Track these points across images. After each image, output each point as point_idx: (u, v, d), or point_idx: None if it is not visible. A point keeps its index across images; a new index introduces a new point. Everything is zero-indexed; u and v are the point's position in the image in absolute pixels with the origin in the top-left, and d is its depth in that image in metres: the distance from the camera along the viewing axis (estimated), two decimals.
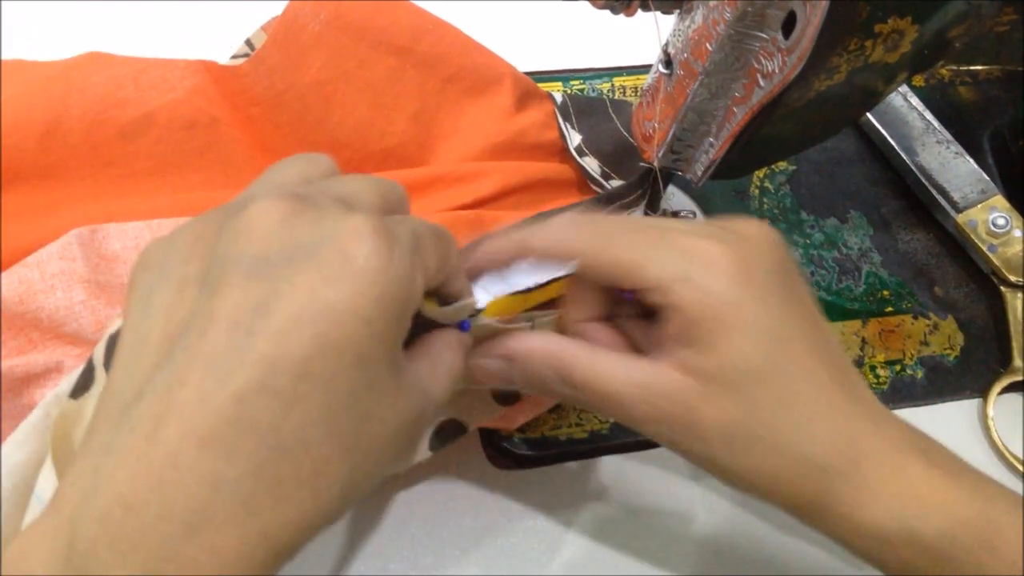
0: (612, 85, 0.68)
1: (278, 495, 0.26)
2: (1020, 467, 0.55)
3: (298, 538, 0.27)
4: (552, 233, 0.38)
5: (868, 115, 0.67)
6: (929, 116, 0.67)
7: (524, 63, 0.60)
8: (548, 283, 0.41)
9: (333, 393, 0.27)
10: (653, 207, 0.56)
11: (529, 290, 0.40)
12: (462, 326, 0.39)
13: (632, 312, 0.41)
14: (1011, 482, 0.54)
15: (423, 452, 0.47)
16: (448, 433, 0.46)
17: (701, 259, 0.35)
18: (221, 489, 0.25)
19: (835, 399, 0.36)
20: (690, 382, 0.35)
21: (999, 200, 0.62)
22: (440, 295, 0.37)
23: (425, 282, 0.31)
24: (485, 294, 0.39)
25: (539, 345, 0.38)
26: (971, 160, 0.65)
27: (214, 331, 0.26)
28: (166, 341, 0.28)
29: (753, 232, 0.37)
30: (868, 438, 0.36)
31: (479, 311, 0.39)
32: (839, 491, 0.35)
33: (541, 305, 0.42)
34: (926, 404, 0.58)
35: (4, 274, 0.42)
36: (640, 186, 0.54)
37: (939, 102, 0.70)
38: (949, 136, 0.66)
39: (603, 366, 0.36)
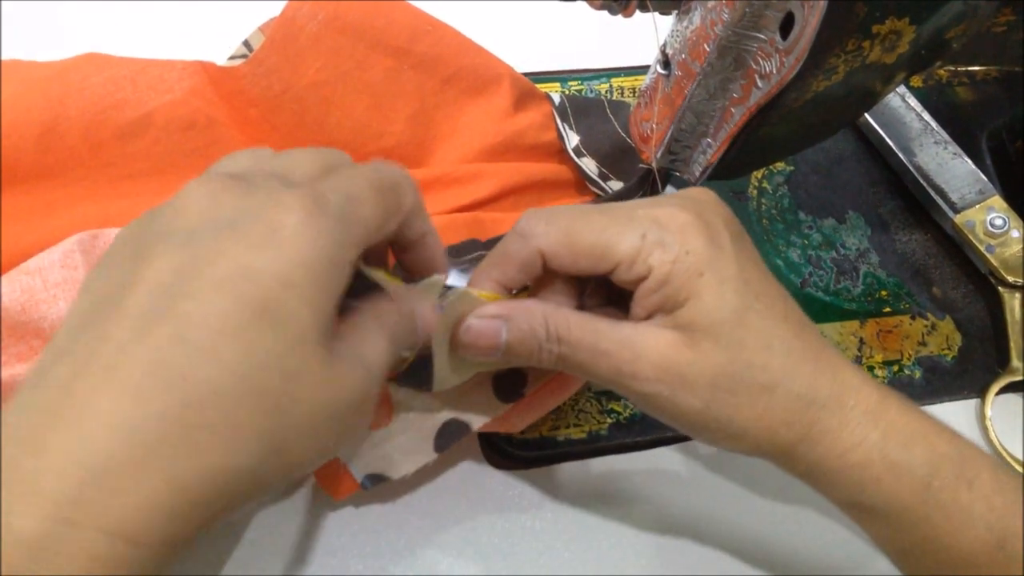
0: (610, 86, 0.68)
1: (188, 444, 0.26)
2: (1018, 467, 0.55)
3: (212, 492, 0.27)
4: (517, 234, 0.39)
5: (866, 116, 0.67)
6: (927, 117, 0.67)
7: (522, 64, 0.60)
8: None
9: (250, 351, 0.27)
10: None
11: None
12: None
13: (600, 301, 0.42)
14: None
15: (428, 454, 0.47)
16: (451, 433, 0.46)
17: (673, 224, 0.37)
18: (131, 435, 0.26)
19: (810, 340, 0.38)
20: (677, 335, 0.36)
21: (997, 201, 0.62)
22: (402, 241, 0.37)
23: (366, 240, 0.32)
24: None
25: (533, 303, 0.39)
26: (969, 161, 0.65)
27: (137, 294, 0.27)
28: (94, 309, 0.28)
29: (704, 197, 0.39)
30: (847, 374, 0.38)
31: (448, 288, 0.39)
32: (826, 424, 0.37)
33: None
34: (924, 404, 0.57)
35: (6, 282, 0.41)
36: (640, 187, 0.54)
37: (937, 103, 0.70)
38: (947, 137, 0.66)
39: (595, 324, 0.38)
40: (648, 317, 0.37)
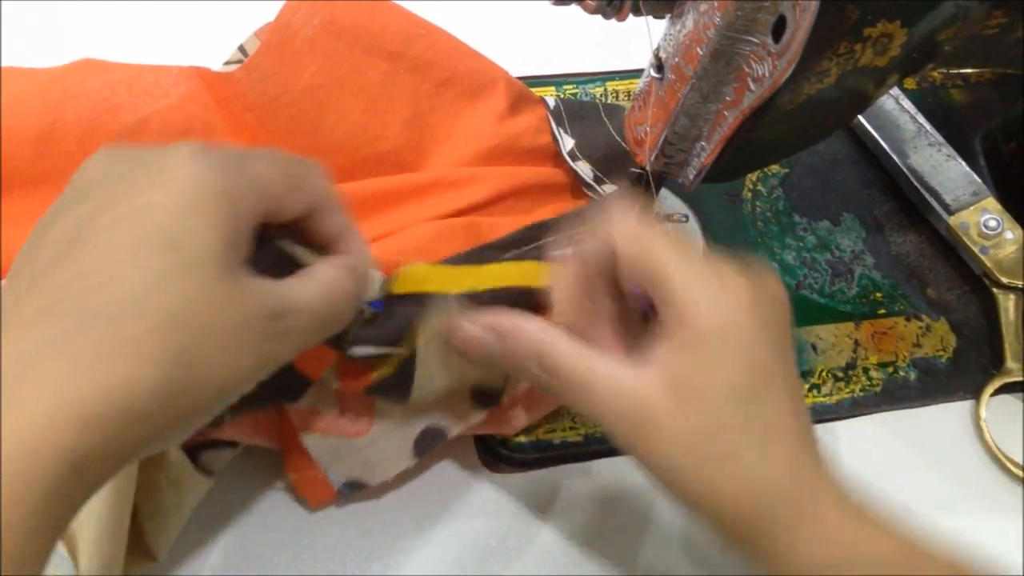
0: (605, 90, 0.68)
1: (85, 361, 0.27)
2: (1013, 469, 0.55)
3: (117, 403, 0.27)
4: (611, 218, 0.39)
5: (860, 118, 0.68)
6: (921, 119, 0.67)
7: (517, 68, 0.60)
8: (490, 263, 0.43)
9: (144, 274, 0.29)
10: (645, 211, 0.56)
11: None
12: (373, 306, 0.40)
13: (620, 314, 0.41)
14: (1003, 483, 0.55)
15: (407, 459, 0.47)
16: (430, 440, 0.47)
17: (732, 292, 0.37)
18: (28, 358, 0.27)
19: (794, 434, 0.37)
20: (669, 388, 0.36)
21: (991, 202, 0.63)
22: (322, 236, 0.38)
23: (264, 195, 0.33)
24: None
25: (530, 329, 0.39)
26: (963, 162, 0.65)
27: (43, 250, 0.30)
28: (14, 273, 0.31)
29: (771, 282, 0.39)
30: (818, 475, 0.37)
31: (384, 280, 0.40)
32: (785, 519, 0.36)
33: (499, 296, 0.43)
34: (919, 406, 0.58)
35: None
36: (633, 191, 0.54)
37: (931, 105, 0.70)
38: (941, 139, 0.66)
39: (586, 361, 0.38)
40: (657, 350, 0.37)
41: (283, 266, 0.36)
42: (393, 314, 0.42)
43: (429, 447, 0.47)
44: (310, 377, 0.40)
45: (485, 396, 0.46)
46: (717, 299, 0.37)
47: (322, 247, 0.38)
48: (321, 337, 0.37)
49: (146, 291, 0.29)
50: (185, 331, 0.29)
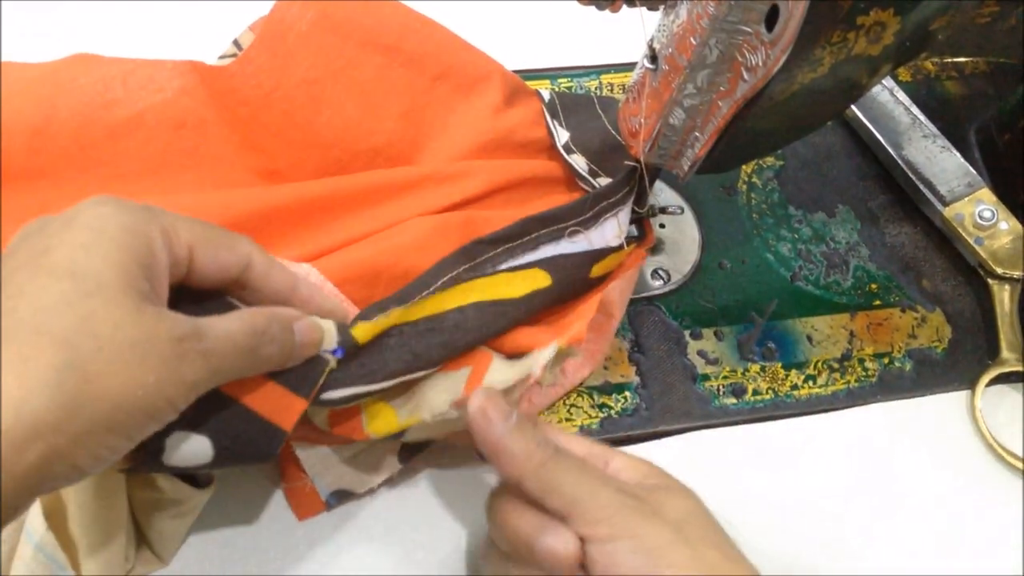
0: (600, 83, 0.68)
1: None
2: (1008, 458, 0.55)
3: (7, 419, 0.29)
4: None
5: (855, 110, 0.68)
6: (915, 110, 0.67)
7: (511, 61, 0.60)
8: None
9: (40, 300, 0.31)
10: (640, 203, 0.56)
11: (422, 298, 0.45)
12: (335, 353, 0.41)
13: None
14: (999, 473, 0.55)
15: (393, 466, 0.48)
16: (415, 447, 0.47)
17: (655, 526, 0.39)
18: None
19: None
20: None
21: (985, 193, 0.63)
22: (273, 296, 0.40)
23: (176, 241, 0.36)
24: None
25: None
26: (957, 154, 0.65)
27: None
28: None
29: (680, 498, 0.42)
30: None
31: (341, 327, 0.42)
32: None
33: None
34: (914, 396, 0.58)
35: None
36: (626, 184, 0.54)
37: (925, 96, 0.71)
38: (935, 130, 0.66)
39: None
40: None
41: (224, 310, 0.38)
42: (367, 356, 0.43)
43: (415, 453, 0.48)
44: (281, 426, 0.40)
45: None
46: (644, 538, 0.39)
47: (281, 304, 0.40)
48: (243, 366, 0.37)
49: (43, 314, 0.31)
50: (78, 349, 0.30)
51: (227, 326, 0.36)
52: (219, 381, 0.36)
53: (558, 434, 0.44)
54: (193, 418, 0.36)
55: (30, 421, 0.29)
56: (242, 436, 0.38)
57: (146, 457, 0.37)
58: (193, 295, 0.37)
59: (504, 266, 0.49)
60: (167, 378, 0.33)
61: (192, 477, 0.45)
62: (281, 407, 0.40)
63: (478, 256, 0.48)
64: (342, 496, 0.49)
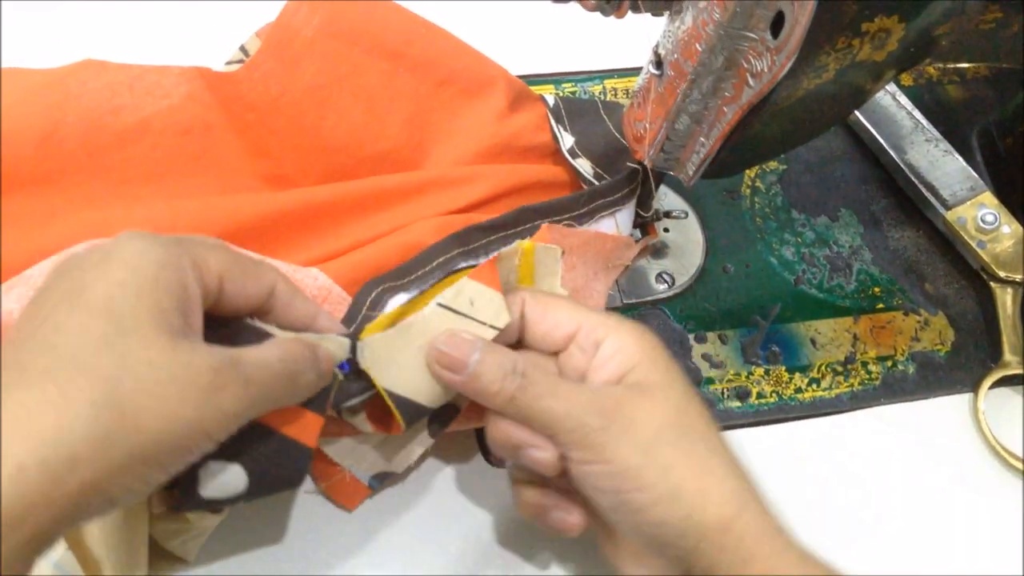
0: (603, 87, 0.68)
1: (20, 417, 0.30)
2: (1011, 461, 0.55)
3: (44, 452, 0.29)
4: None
5: (857, 114, 0.68)
6: (918, 114, 0.67)
7: (516, 66, 0.60)
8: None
9: (80, 338, 0.32)
10: (644, 208, 0.57)
11: (422, 292, 0.46)
12: (342, 368, 0.42)
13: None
14: (1002, 476, 0.55)
15: (425, 441, 0.48)
16: (443, 418, 0.47)
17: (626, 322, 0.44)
18: None
19: (725, 460, 0.41)
20: (629, 390, 0.42)
21: (987, 197, 0.63)
22: (295, 324, 0.41)
23: (208, 273, 0.36)
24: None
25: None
26: (959, 158, 0.65)
27: (18, 324, 0.34)
28: None
29: (645, 331, 0.44)
30: (751, 499, 0.41)
31: (352, 344, 0.42)
32: (722, 542, 0.39)
33: None
34: (917, 399, 0.58)
35: (5, 290, 0.41)
36: (627, 184, 0.55)
37: (927, 100, 0.71)
38: (938, 134, 0.66)
39: (555, 370, 0.44)
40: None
41: (256, 339, 0.38)
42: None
43: (444, 424, 0.47)
44: (306, 444, 0.41)
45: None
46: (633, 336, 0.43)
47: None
48: (282, 396, 0.38)
49: (81, 352, 0.31)
50: (116, 385, 0.31)
51: (264, 356, 0.36)
52: (258, 412, 0.37)
53: (550, 303, 0.46)
54: (223, 446, 0.36)
55: (68, 454, 0.29)
56: (271, 458, 0.39)
57: (183, 491, 0.37)
58: (220, 321, 0.38)
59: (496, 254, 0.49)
60: (205, 411, 0.33)
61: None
62: (301, 425, 0.40)
63: (472, 242, 0.49)
64: (383, 478, 0.49)
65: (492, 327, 0.44)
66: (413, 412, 0.44)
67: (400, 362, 0.43)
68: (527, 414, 0.41)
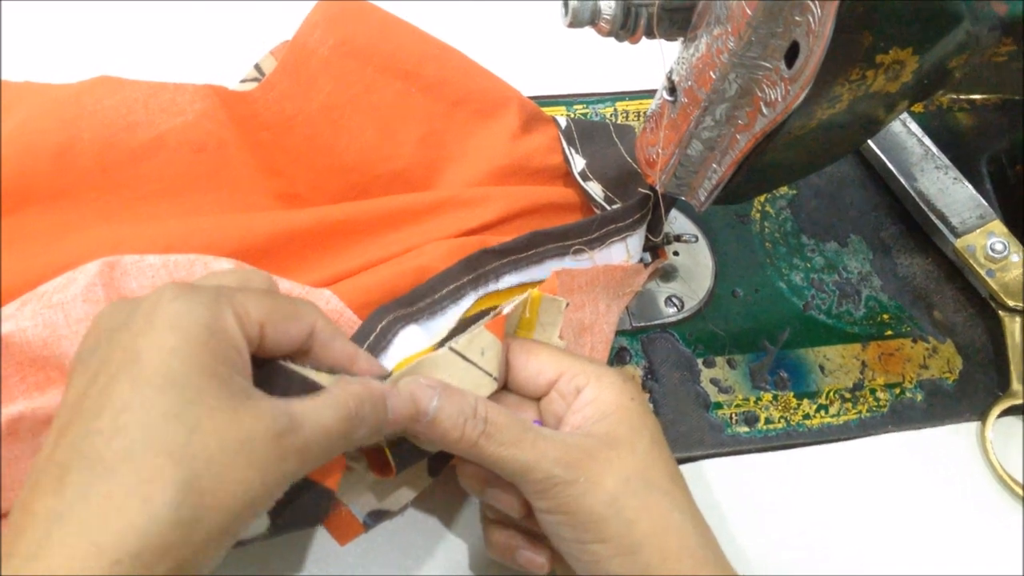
0: (615, 109, 0.69)
1: (106, 511, 0.29)
2: (1018, 490, 0.55)
3: (137, 543, 0.29)
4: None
5: (868, 141, 0.68)
6: (928, 142, 0.68)
7: (528, 88, 0.60)
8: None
9: (146, 418, 0.31)
10: (655, 232, 0.57)
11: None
12: None
13: None
14: (1009, 504, 0.55)
15: (424, 480, 0.48)
16: (443, 456, 0.47)
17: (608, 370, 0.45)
18: (61, 511, 0.30)
19: (688, 516, 0.42)
20: (597, 440, 0.42)
21: (997, 225, 0.63)
22: (336, 365, 0.40)
23: (252, 323, 0.36)
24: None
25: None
26: (969, 185, 0.65)
27: (66, 404, 0.33)
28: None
29: (626, 380, 0.45)
30: (711, 558, 0.41)
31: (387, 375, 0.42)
32: None
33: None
34: (925, 427, 0.58)
35: (29, 314, 0.41)
36: (639, 210, 0.55)
37: (938, 128, 0.71)
38: (947, 161, 0.67)
39: (519, 416, 0.43)
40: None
41: (300, 388, 0.38)
42: None
43: (444, 463, 0.47)
44: (328, 487, 0.41)
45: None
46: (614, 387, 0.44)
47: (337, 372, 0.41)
48: (334, 453, 0.38)
49: (154, 431, 0.31)
50: (192, 463, 0.31)
51: (322, 417, 0.36)
52: (311, 469, 0.37)
53: (533, 349, 0.46)
54: None
55: (159, 544, 0.29)
56: (294, 499, 0.38)
57: None
58: (259, 362, 0.38)
59: (507, 280, 0.49)
60: (269, 475, 0.33)
61: None
62: (324, 469, 0.40)
63: (481, 267, 0.49)
64: (379, 516, 0.48)
65: (495, 379, 0.44)
66: (407, 456, 0.44)
67: None
68: (493, 461, 0.41)
